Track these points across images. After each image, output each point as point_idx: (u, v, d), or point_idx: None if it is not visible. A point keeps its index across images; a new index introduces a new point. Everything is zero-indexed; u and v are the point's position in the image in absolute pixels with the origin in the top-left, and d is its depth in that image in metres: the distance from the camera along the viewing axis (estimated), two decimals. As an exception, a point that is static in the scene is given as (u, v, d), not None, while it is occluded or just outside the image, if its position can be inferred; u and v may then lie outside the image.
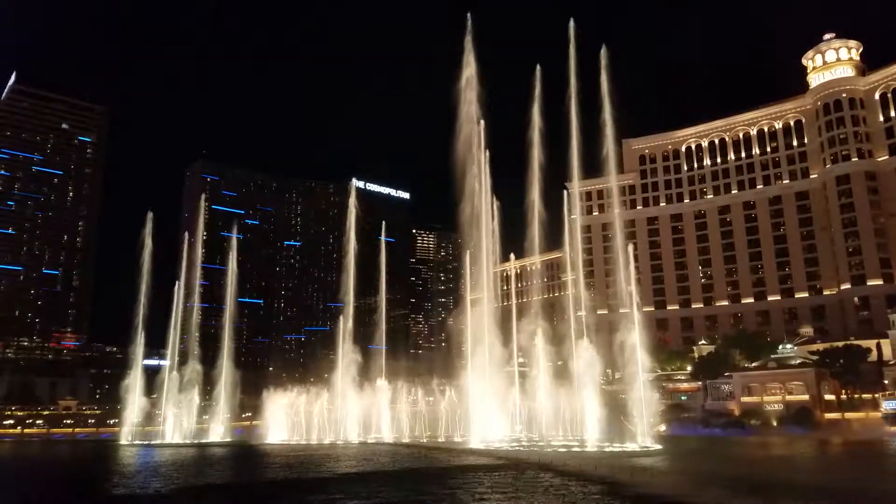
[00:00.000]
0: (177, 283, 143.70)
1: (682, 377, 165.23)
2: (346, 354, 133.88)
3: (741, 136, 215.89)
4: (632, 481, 38.54)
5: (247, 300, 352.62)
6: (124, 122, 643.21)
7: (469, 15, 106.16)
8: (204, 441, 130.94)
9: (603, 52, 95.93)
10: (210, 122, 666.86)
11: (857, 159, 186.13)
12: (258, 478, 48.36)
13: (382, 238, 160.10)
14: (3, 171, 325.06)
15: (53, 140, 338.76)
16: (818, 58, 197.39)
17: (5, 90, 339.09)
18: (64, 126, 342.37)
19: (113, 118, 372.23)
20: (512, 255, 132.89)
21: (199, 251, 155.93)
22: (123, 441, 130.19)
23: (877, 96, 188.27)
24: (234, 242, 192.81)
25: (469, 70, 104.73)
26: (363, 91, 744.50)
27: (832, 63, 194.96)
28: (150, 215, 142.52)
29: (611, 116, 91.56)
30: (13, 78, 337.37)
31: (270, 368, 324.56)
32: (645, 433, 65.70)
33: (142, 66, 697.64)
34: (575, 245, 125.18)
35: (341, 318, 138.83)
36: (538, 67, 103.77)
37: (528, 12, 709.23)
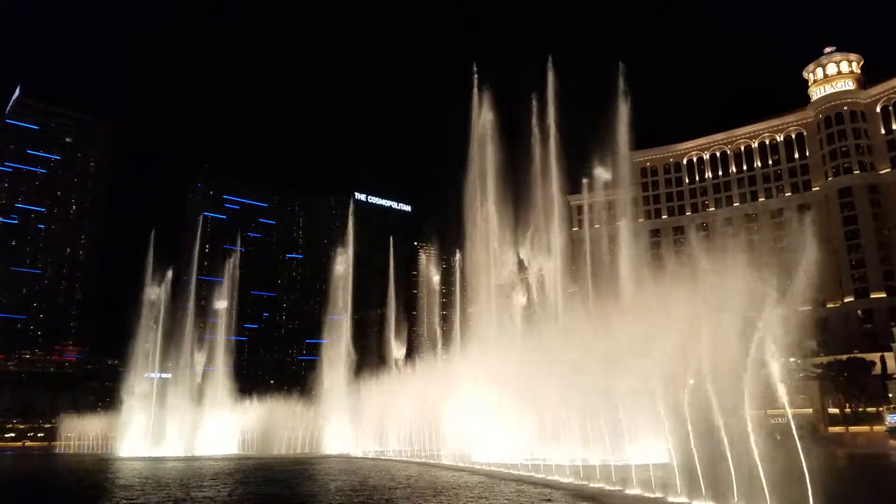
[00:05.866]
0: (176, 293, 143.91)
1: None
2: (343, 367, 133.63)
3: (742, 148, 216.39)
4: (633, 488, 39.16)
5: (248, 313, 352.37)
6: (128, 136, 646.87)
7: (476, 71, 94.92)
8: (202, 454, 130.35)
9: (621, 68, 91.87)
10: (212, 135, 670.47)
11: (858, 172, 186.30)
12: (246, 491, 48.13)
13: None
14: (7, 185, 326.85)
15: (57, 154, 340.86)
16: (819, 71, 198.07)
17: (10, 104, 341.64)
18: (67, 140, 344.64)
19: (116, 132, 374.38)
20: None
21: (202, 264, 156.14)
22: (123, 454, 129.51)
23: (878, 109, 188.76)
24: (237, 256, 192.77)
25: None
26: (365, 102, 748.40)
27: (833, 76, 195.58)
28: (152, 234, 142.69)
29: (624, 131, 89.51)
30: (17, 92, 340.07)
31: (272, 381, 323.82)
32: (650, 446, 65.21)
33: (145, 80, 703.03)
34: (577, 257, 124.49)
35: (327, 336, 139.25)
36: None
37: (531, 17, 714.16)
